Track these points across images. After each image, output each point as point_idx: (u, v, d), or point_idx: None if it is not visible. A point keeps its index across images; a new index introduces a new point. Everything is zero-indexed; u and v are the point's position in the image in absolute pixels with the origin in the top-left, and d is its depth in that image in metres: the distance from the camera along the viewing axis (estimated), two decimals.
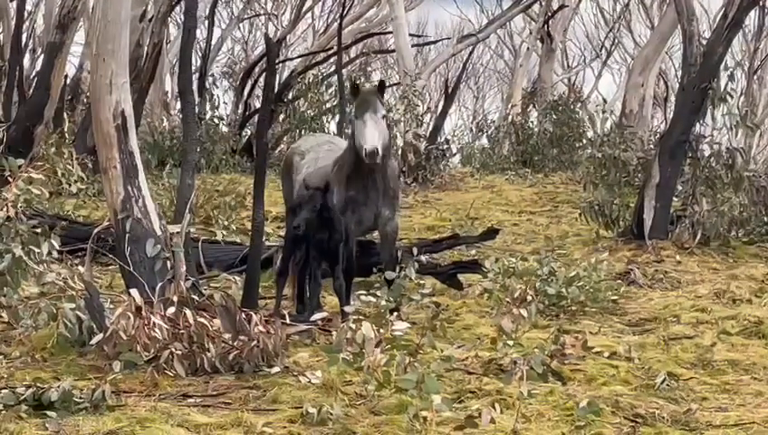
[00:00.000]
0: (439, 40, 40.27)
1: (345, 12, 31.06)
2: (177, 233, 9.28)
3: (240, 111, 28.74)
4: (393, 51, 30.46)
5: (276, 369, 8.55)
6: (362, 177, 11.05)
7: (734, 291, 12.33)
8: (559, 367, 8.65)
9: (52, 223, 11.40)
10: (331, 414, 7.33)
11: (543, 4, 33.26)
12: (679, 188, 15.92)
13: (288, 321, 9.69)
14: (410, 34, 30.67)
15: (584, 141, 26.93)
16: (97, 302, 9.03)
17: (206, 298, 9.03)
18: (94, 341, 8.70)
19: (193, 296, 8.94)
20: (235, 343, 8.61)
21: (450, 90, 26.97)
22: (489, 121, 33.73)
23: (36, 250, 9.47)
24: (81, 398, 7.53)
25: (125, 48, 9.55)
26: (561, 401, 7.82)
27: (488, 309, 11.25)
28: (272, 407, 7.74)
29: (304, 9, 37.18)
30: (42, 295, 9.64)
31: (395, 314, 8.89)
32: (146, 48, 18.46)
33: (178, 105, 24.41)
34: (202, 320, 8.61)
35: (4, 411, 7.35)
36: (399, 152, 22.46)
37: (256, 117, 21.05)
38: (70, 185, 17.52)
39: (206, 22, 29.72)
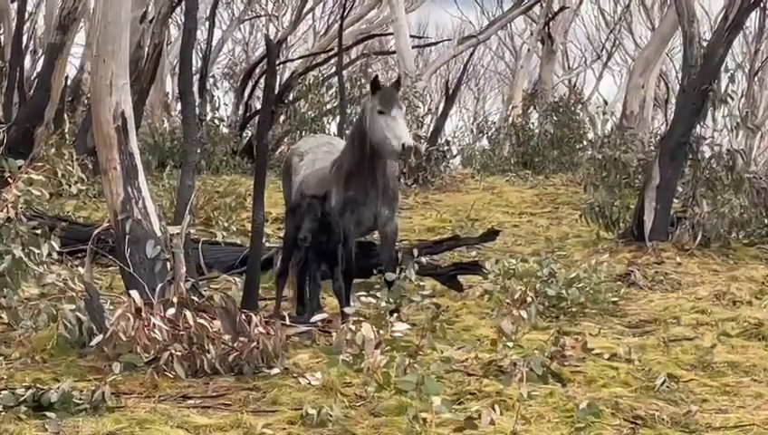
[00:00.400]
0: (440, 41, 40.30)
1: (346, 13, 31.06)
2: (178, 234, 9.28)
3: (240, 112, 28.73)
4: (394, 52, 30.51)
5: (276, 370, 8.55)
6: (362, 176, 11.01)
7: (734, 293, 12.32)
8: (559, 369, 8.65)
9: (53, 224, 11.40)
10: (331, 416, 7.33)
11: (544, 5, 33.26)
12: (680, 189, 15.92)
13: (288, 322, 9.69)
14: (411, 36, 30.72)
15: (585, 143, 26.92)
16: (97, 303, 9.03)
17: (205, 299, 9.03)
18: (94, 342, 8.70)
19: (193, 298, 8.94)
20: (234, 345, 8.61)
21: (451, 91, 26.93)
22: (490, 123, 33.73)
23: (36, 251, 9.47)
24: (80, 399, 7.53)
25: (125, 49, 9.56)
26: (560, 403, 7.81)
27: (488, 310, 11.25)
28: (271, 408, 7.74)
29: (305, 10, 37.18)
30: (42, 297, 9.64)
31: (395, 315, 8.88)
32: (146, 49, 18.44)
33: (179, 106, 24.41)
34: (202, 321, 8.60)
35: (3, 413, 7.35)
36: None
37: (257, 118, 21.04)
38: (70, 186, 17.51)
39: (207, 23, 29.70)
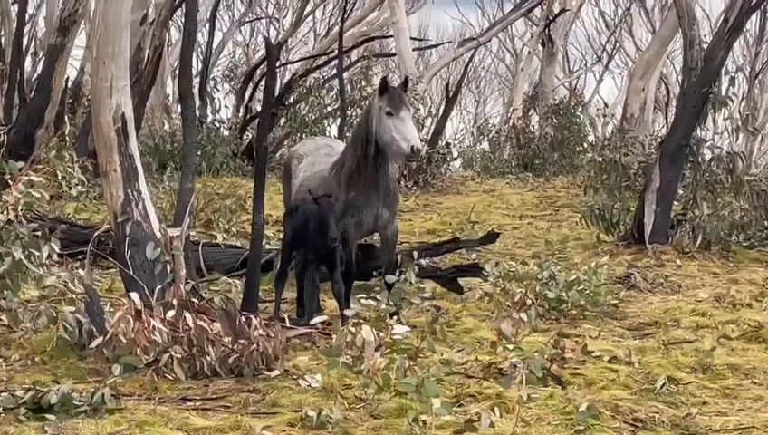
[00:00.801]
0: (440, 44, 40.26)
1: (346, 15, 31.06)
2: (178, 236, 9.28)
3: (241, 114, 28.69)
4: (394, 54, 30.45)
5: (276, 372, 8.55)
6: (364, 178, 10.99)
7: (734, 295, 12.32)
8: (558, 371, 8.65)
9: (53, 226, 11.39)
10: (331, 418, 7.33)
11: (545, 8, 33.24)
12: (680, 192, 15.92)
13: (288, 324, 9.69)
14: (411, 38, 30.69)
15: (585, 145, 26.90)
16: (97, 305, 9.04)
17: (205, 301, 9.03)
18: (94, 344, 8.70)
19: (193, 300, 8.94)
20: (234, 347, 8.61)
21: (451, 94, 26.93)
22: (490, 125, 33.69)
23: (36, 253, 9.47)
24: (80, 401, 7.54)
25: (125, 51, 9.56)
26: (560, 406, 7.81)
27: (488, 313, 11.24)
28: (271, 410, 7.74)
29: (305, 13, 37.15)
30: (42, 299, 9.67)
31: (395, 317, 8.89)
32: (147, 51, 18.42)
33: (179, 109, 24.40)
34: (202, 323, 8.61)
35: (3, 414, 7.36)
36: None
37: (257, 120, 21.06)
38: (70, 188, 17.49)
39: (207, 25, 29.69)
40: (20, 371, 8.59)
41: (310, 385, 8.14)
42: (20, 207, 9.56)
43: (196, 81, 26.01)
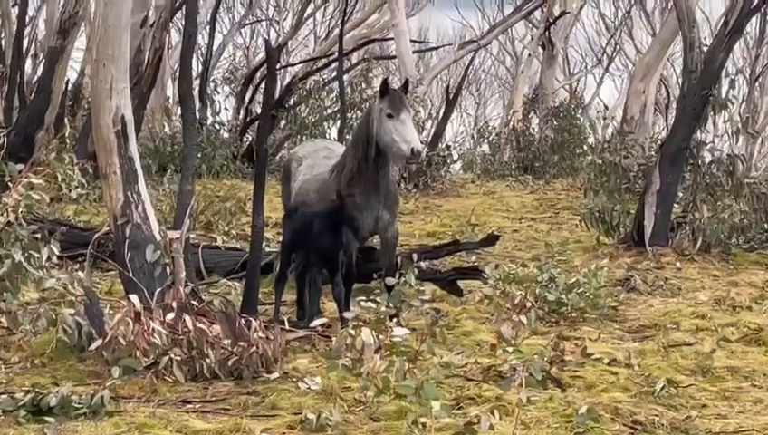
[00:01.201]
0: (441, 46, 40.30)
1: (346, 18, 31.07)
2: (177, 238, 9.28)
3: (241, 116, 28.70)
4: (394, 57, 30.47)
5: (275, 375, 8.55)
6: (364, 180, 10.99)
7: (734, 298, 12.32)
8: (558, 374, 8.64)
9: (53, 228, 11.37)
10: (330, 420, 7.32)
11: (545, 10, 33.25)
12: (680, 194, 15.91)
13: (287, 327, 9.68)
14: (412, 40, 30.71)
15: (585, 148, 26.91)
16: (96, 307, 9.03)
17: (205, 304, 9.04)
18: (93, 346, 8.69)
19: (192, 302, 8.94)
20: (234, 349, 8.60)
21: (451, 96, 26.94)
22: (490, 128, 33.69)
23: (36, 255, 9.46)
24: (79, 403, 7.54)
25: (125, 53, 9.57)
26: (560, 408, 7.81)
27: (488, 315, 11.24)
28: (271, 413, 7.74)
29: (306, 15, 37.19)
30: (41, 301, 9.64)
31: (394, 320, 8.88)
32: (147, 54, 18.44)
33: (179, 111, 24.43)
34: (201, 326, 8.60)
35: (2, 417, 7.36)
36: None
37: (257, 123, 21.06)
38: (70, 190, 17.50)
39: (208, 27, 29.69)
40: (19, 373, 8.59)
41: (309, 388, 8.13)
42: (20, 210, 9.55)
43: (196, 83, 25.99)
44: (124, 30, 9.55)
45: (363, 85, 27.01)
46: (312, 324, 9.96)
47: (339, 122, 24.38)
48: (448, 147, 25.26)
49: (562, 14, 33.77)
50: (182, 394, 8.15)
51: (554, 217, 19.74)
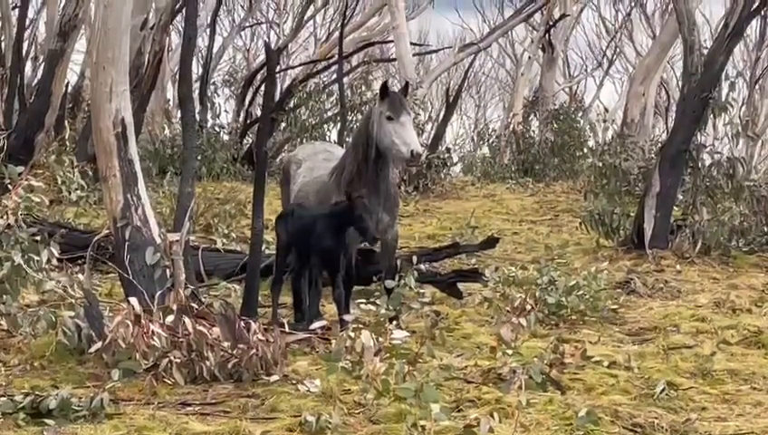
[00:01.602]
0: (441, 49, 40.28)
1: (346, 20, 31.08)
2: (177, 241, 9.28)
3: (241, 119, 28.72)
4: (394, 59, 30.44)
5: (275, 377, 8.55)
6: (364, 182, 10.98)
7: (733, 300, 12.32)
8: (558, 376, 8.64)
9: (52, 231, 11.38)
10: (330, 423, 7.32)
11: (545, 13, 33.26)
12: (680, 197, 15.92)
13: (287, 329, 9.68)
14: (412, 43, 30.70)
15: (585, 150, 26.90)
16: (96, 310, 9.03)
17: (205, 306, 9.03)
18: (93, 349, 8.69)
19: (192, 304, 8.94)
20: (234, 352, 8.60)
21: (451, 99, 26.95)
22: (490, 130, 33.74)
23: (36, 258, 9.47)
24: (79, 406, 7.53)
25: (125, 56, 9.57)
26: (559, 411, 7.80)
27: (488, 318, 11.25)
28: (270, 415, 7.74)
29: (306, 18, 37.20)
30: (41, 303, 9.67)
31: (394, 322, 8.87)
32: (147, 56, 18.44)
33: (179, 113, 24.43)
34: (201, 328, 8.60)
35: (2, 419, 7.37)
36: None
37: (257, 125, 21.06)
38: (70, 193, 17.51)
39: (208, 30, 29.70)
40: (19, 375, 8.58)
41: (309, 390, 8.13)
42: (20, 212, 9.57)
43: (196, 85, 26.04)
44: (124, 33, 9.55)
45: (363, 88, 27.03)
46: (312, 327, 9.97)
47: (339, 125, 24.37)
48: (448, 149, 25.28)
49: (562, 16, 33.80)
50: (182, 397, 8.15)
51: (554, 220, 19.74)
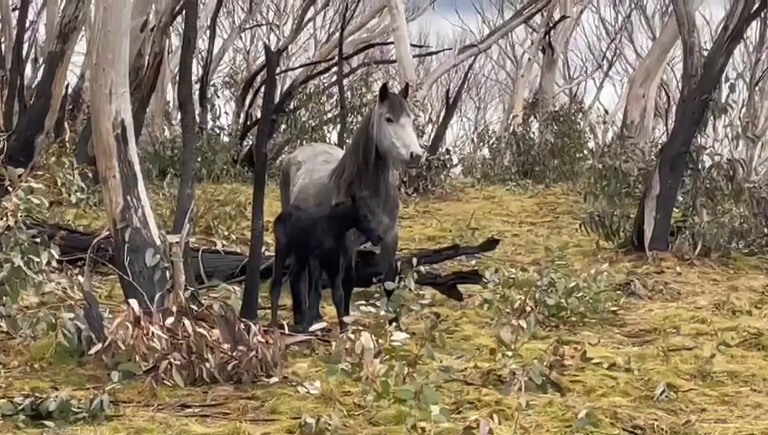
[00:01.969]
0: (441, 50, 40.33)
1: (347, 22, 31.10)
2: (177, 243, 9.28)
3: (241, 121, 28.75)
4: (394, 61, 30.47)
5: (275, 379, 8.55)
6: (364, 184, 10.98)
7: (733, 302, 12.31)
8: (558, 378, 8.64)
9: (52, 232, 11.40)
10: (330, 425, 7.32)
11: (545, 14, 33.28)
12: (680, 199, 15.91)
13: (287, 331, 9.68)
14: (412, 45, 30.71)
15: (585, 152, 26.93)
16: (96, 312, 9.03)
17: (205, 308, 9.02)
18: (93, 351, 8.69)
19: (192, 306, 8.94)
20: (233, 354, 8.60)
21: (451, 100, 26.96)
22: (490, 132, 33.71)
23: (36, 260, 9.48)
24: (79, 408, 7.53)
25: (125, 58, 9.57)
26: (559, 413, 7.80)
27: (488, 320, 11.24)
28: (270, 417, 7.74)
29: (306, 19, 37.20)
30: (41, 305, 9.67)
31: (394, 324, 8.87)
32: (147, 58, 18.44)
33: (179, 115, 24.42)
34: (201, 330, 8.60)
35: (2, 421, 7.36)
36: None
37: (257, 127, 21.06)
38: (70, 194, 17.51)
39: (208, 32, 29.71)
40: (19, 377, 8.58)
41: (309, 392, 8.13)
42: (19, 214, 9.57)
43: (196, 87, 26.06)
44: (124, 34, 9.56)
45: (363, 89, 27.06)
46: (312, 329, 9.96)
47: (339, 126, 24.38)
48: (448, 151, 25.28)
49: (562, 18, 33.82)
50: (181, 399, 8.15)
51: (554, 222, 19.75)
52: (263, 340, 8.69)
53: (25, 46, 26.68)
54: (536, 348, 9.55)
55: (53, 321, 9.12)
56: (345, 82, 27.58)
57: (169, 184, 18.51)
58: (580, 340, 10.44)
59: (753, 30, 39.12)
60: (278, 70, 29.01)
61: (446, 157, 24.02)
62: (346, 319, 9.14)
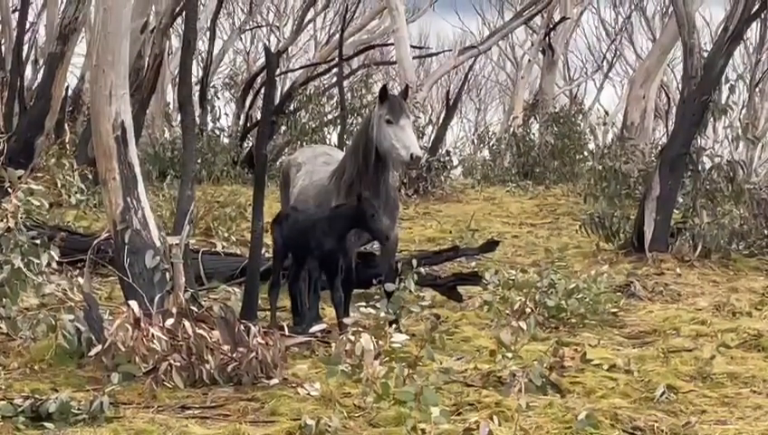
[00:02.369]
0: (441, 52, 40.40)
1: (347, 23, 31.11)
2: (177, 244, 9.28)
3: (241, 122, 28.74)
4: (395, 62, 30.49)
5: (275, 381, 8.54)
6: (364, 185, 10.97)
7: (733, 304, 12.31)
8: (558, 379, 8.64)
9: (52, 234, 11.40)
10: (330, 426, 7.31)
11: (545, 16, 33.29)
12: (680, 200, 15.91)
13: (287, 332, 9.68)
14: (412, 46, 30.74)
15: (585, 153, 26.92)
16: (96, 313, 9.03)
17: (205, 310, 9.02)
18: (93, 352, 8.69)
19: (192, 308, 8.94)
20: (233, 355, 8.60)
21: (452, 101, 26.97)
22: (490, 133, 33.70)
23: (36, 261, 9.48)
24: (79, 409, 7.53)
25: (125, 59, 9.57)
26: (559, 414, 7.79)
27: (488, 321, 11.24)
28: (270, 419, 7.74)
29: (306, 21, 37.20)
30: (41, 306, 9.67)
31: (394, 325, 8.88)
32: (147, 59, 18.43)
33: (179, 116, 24.42)
34: (201, 331, 8.60)
35: (2, 423, 7.35)
36: None
37: (257, 128, 21.06)
38: (70, 196, 17.51)
39: (208, 33, 29.72)
40: (19, 379, 8.58)
41: (309, 393, 8.12)
42: (20, 215, 9.57)
43: (196, 89, 26.06)
44: (124, 36, 9.56)
45: (363, 91, 27.05)
46: (312, 330, 9.95)
47: (339, 128, 24.38)
48: (448, 152, 25.29)
49: (562, 19, 33.81)
50: (181, 400, 8.15)
51: (554, 223, 19.75)
52: (263, 341, 8.69)
53: (25, 48, 26.70)
54: (536, 349, 9.55)
55: (53, 322, 9.12)
56: (345, 83, 27.59)
57: (169, 185, 18.49)
58: (580, 341, 10.44)
59: (753, 31, 39.13)
60: (278, 71, 29.02)
61: (446, 158, 24.03)
62: (346, 320, 9.14)
